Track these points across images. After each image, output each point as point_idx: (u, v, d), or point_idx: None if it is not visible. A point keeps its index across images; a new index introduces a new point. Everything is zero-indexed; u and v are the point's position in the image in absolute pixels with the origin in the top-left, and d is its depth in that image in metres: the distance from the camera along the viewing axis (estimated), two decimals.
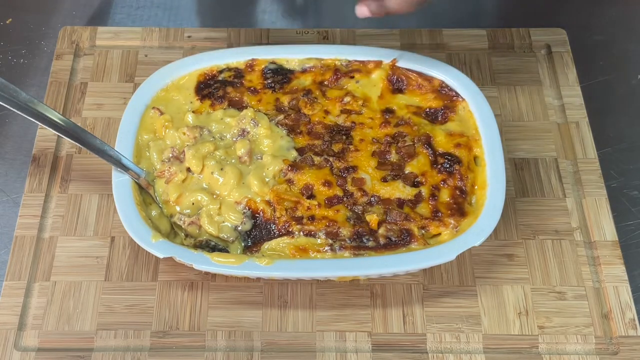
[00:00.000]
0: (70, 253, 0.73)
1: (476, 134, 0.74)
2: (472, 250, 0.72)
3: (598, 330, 0.69)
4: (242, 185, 0.70)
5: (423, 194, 0.70)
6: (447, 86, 0.77)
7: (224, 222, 0.69)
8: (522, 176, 0.79)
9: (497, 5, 1.00)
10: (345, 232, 0.67)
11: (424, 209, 0.69)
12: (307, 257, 0.66)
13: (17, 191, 0.79)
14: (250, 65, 0.79)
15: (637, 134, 0.85)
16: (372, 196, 0.70)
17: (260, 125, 0.73)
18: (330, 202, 0.69)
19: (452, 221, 0.68)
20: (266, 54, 0.79)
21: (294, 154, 0.72)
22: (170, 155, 0.72)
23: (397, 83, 0.78)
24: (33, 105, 0.64)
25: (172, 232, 0.70)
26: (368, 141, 0.73)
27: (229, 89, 0.77)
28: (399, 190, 0.70)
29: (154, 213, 0.70)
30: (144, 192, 0.71)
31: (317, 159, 0.72)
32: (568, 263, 0.73)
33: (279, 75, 0.78)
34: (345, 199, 0.69)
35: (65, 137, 0.68)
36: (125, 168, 0.70)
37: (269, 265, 0.65)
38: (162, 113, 0.75)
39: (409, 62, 0.78)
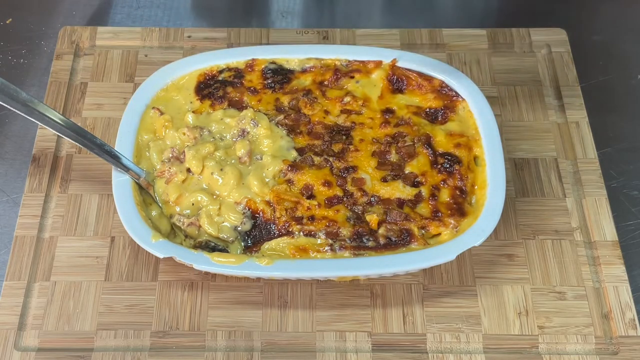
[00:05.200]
0: (70, 253, 0.73)
1: (476, 134, 0.74)
2: (472, 250, 0.72)
3: (598, 330, 0.69)
4: (241, 186, 0.70)
5: (423, 194, 0.70)
6: (447, 86, 0.77)
7: (223, 222, 0.69)
8: (522, 176, 0.79)
9: (497, 5, 1.00)
10: (345, 232, 0.67)
11: (424, 209, 0.69)
12: (307, 257, 0.66)
13: (17, 191, 0.79)
14: (250, 65, 0.79)
15: (637, 134, 0.85)
16: (372, 196, 0.70)
17: (260, 125, 0.73)
18: (330, 202, 0.69)
19: (452, 221, 0.68)
20: (266, 54, 0.79)
21: (294, 154, 0.72)
22: (170, 155, 0.72)
23: (397, 83, 0.78)
24: (33, 105, 0.64)
25: (172, 232, 0.70)
26: (368, 141, 0.73)
27: (229, 89, 0.77)
28: (399, 190, 0.70)
29: (154, 213, 0.70)
30: (144, 192, 0.71)
31: (317, 159, 0.72)
32: (568, 263, 0.73)
33: (279, 75, 0.78)
34: (345, 199, 0.69)
35: (65, 137, 0.68)
36: (125, 168, 0.70)
37: (269, 265, 0.65)
38: (162, 113, 0.75)
39: (409, 62, 0.78)
